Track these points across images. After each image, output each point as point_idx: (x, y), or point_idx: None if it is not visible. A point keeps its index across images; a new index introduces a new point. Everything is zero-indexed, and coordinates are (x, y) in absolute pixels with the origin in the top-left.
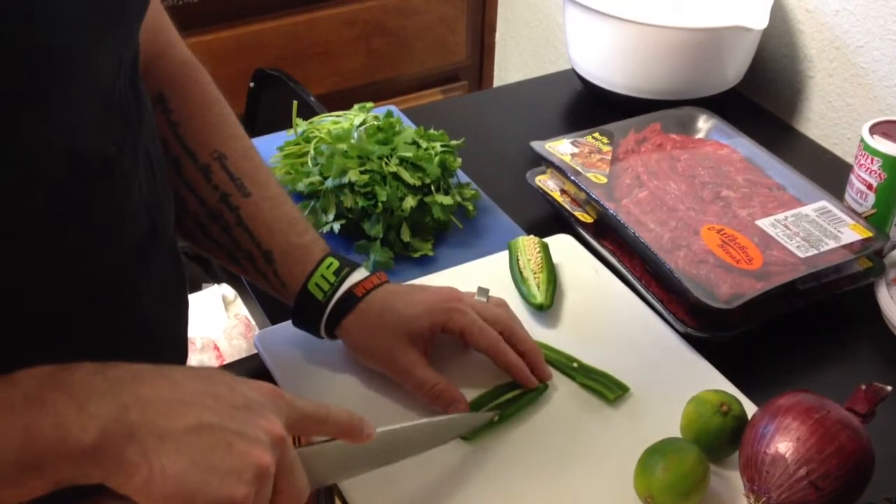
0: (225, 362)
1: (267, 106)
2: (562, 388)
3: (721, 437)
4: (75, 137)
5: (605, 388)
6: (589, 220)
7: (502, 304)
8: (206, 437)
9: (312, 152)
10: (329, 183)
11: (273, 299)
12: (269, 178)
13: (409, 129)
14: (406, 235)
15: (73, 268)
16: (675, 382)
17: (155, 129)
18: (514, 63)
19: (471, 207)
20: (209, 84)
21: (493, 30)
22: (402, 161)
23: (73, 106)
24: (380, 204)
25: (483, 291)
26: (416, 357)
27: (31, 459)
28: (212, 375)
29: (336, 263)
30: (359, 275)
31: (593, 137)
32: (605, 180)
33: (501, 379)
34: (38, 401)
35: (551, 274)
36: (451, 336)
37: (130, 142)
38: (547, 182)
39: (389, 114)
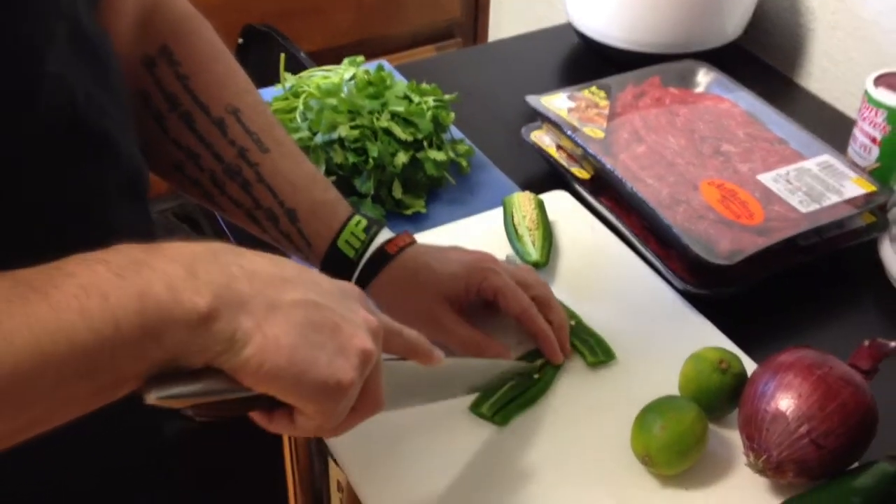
0: None
1: (256, 62)
2: None
3: (720, 395)
4: (46, 63)
5: (588, 350)
6: (586, 176)
7: (530, 271)
8: (314, 313)
9: (301, 107)
10: (318, 139)
11: None
12: (285, 134)
13: (400, 83)
14: (398, 192)
15: (43, 201)
16: (674, 340)
17: (120, 87)
18: (508, 18)
19: (464, 163)
20: (214, 37)
21: None
22: (394, 116)
23: (37, 21)
24: (371, 160)
25: (510, 261)
26: (455, 316)
27: (149, 323)
28: (302, 266)
29: (364, 221)
30: (387, 233)
31: (590, 92)
32: (602, 135)
33: (518, 351)
34: (146, 266)
35: (547, 231)
36: (481, 298)
37: (102, 82)
38: (542, 137)
39: (381, 68)
